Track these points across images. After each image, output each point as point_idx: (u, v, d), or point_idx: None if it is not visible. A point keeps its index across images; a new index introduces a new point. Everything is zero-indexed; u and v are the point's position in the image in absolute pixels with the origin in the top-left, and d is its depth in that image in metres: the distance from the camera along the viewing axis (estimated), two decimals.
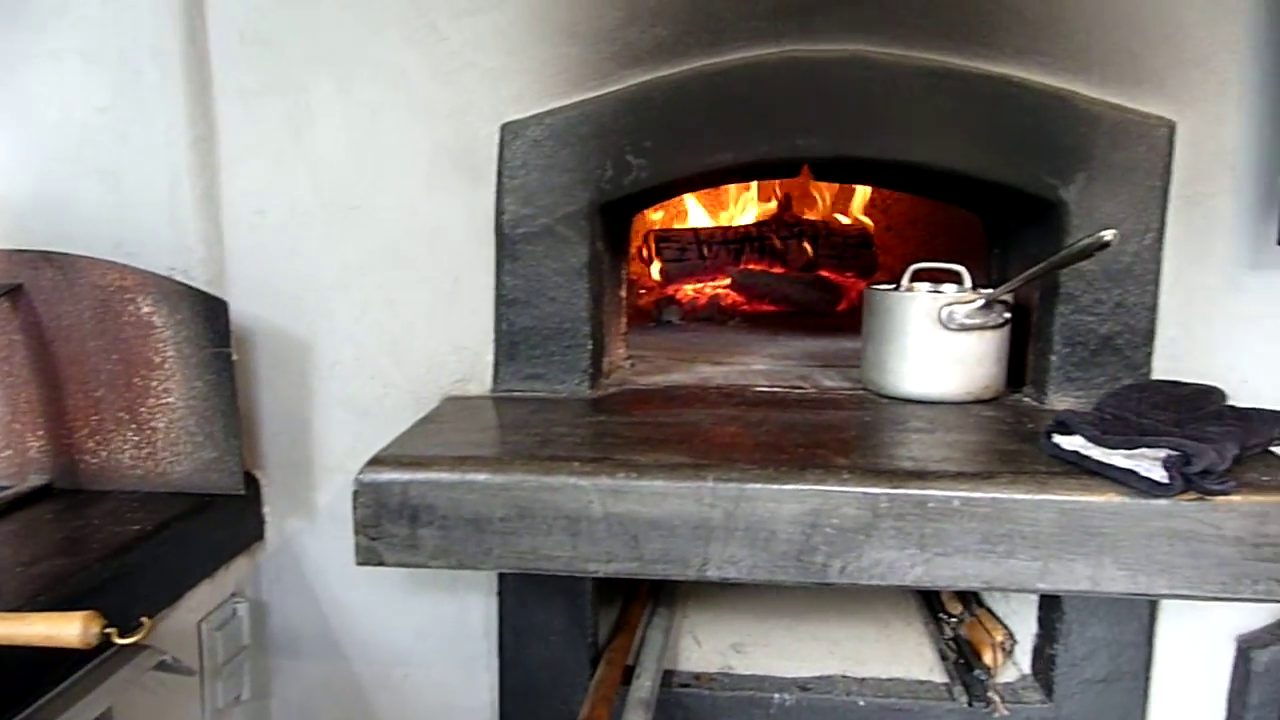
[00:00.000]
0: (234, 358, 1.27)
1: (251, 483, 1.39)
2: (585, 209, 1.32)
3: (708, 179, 1.64)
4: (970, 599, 1.59)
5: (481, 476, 1.05)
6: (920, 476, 1.02)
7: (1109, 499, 1.00)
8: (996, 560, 1.01)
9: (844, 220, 2.47)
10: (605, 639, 1.49)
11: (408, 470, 1.06)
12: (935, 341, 1.31)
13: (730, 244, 2.35)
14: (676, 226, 2.41)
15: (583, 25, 1.30)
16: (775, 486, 1.02)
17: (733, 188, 2.45)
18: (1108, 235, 1.09)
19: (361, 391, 1.42)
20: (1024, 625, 1.48)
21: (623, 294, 1.60)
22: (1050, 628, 1.42)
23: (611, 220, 1.44)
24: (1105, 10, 1.26)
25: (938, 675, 1.46)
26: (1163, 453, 0.99)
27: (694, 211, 2.42)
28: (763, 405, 1.33)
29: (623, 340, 1.62)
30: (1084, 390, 1.31)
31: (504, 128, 1.32)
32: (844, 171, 1.80)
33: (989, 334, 1.31)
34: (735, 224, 2.40)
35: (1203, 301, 1.31)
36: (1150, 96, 1.27)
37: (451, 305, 1.38)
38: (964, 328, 1.30)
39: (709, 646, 1.54)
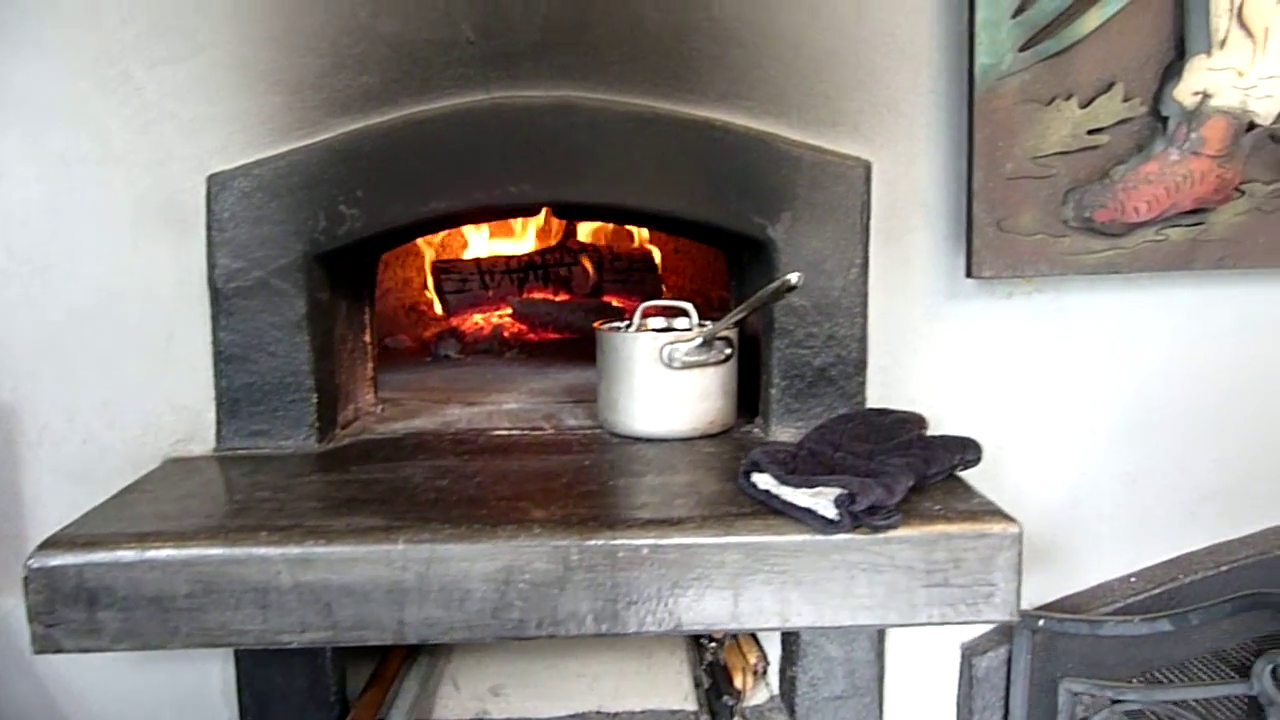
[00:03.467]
0: None
1: None
2: (300, 261, 1.29)
3: (442, 223, 1.62)
4: None
5: (163, 553, 1.01)
6: (610, 526, 1.04)
7: (790, 538, 1.04)
8: (689, 604, 1.04)
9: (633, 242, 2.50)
10: (359, 693, 1.45)
11: (83, 551, 1.01)
12: (660, 380, 1.33)
13: (513, 272, 2.34)
14: (460, 256, 2.38)
15: (286, 73, 1.27)
16: (467, 546, 1.02)
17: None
18: (793, 278, 1.13)
19: (74, 457, 1.34)
20: (776, 648, 1.53)
21: (367, 339, 1.57)
22: (790, 650, 1.46)
23: (342, 267, 1.40)
24: (802, 56, 1.30)
25: (690, 704, 1.49)
26: (836, 491, 1.03)
27: (476, 240, 2.40)
28: (489, 452, 1.32)
29: (371, 385, 1.59)
30: (803, 420, 1.36)
31: (210, 179, 1.28)
32: (580, 211, 1.81)
33: (711, 370, 1.34)
34: (517, 252, 2.39)
35: (907, 331, 1.37)
36: (846, 138, 1.32)
37: (167, 364, 1.33)
38: (686, 365, 1.32)
39: (467, 691, 1.52)
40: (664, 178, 1.30)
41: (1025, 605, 1.46)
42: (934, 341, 1.38)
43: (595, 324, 1.42)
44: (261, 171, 1.27)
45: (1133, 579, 1.48)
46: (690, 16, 1.28)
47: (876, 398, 1.37)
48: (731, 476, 1.18)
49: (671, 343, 1.32)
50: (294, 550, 1.01)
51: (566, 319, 2.26)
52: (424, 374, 1.93)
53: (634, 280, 2.39)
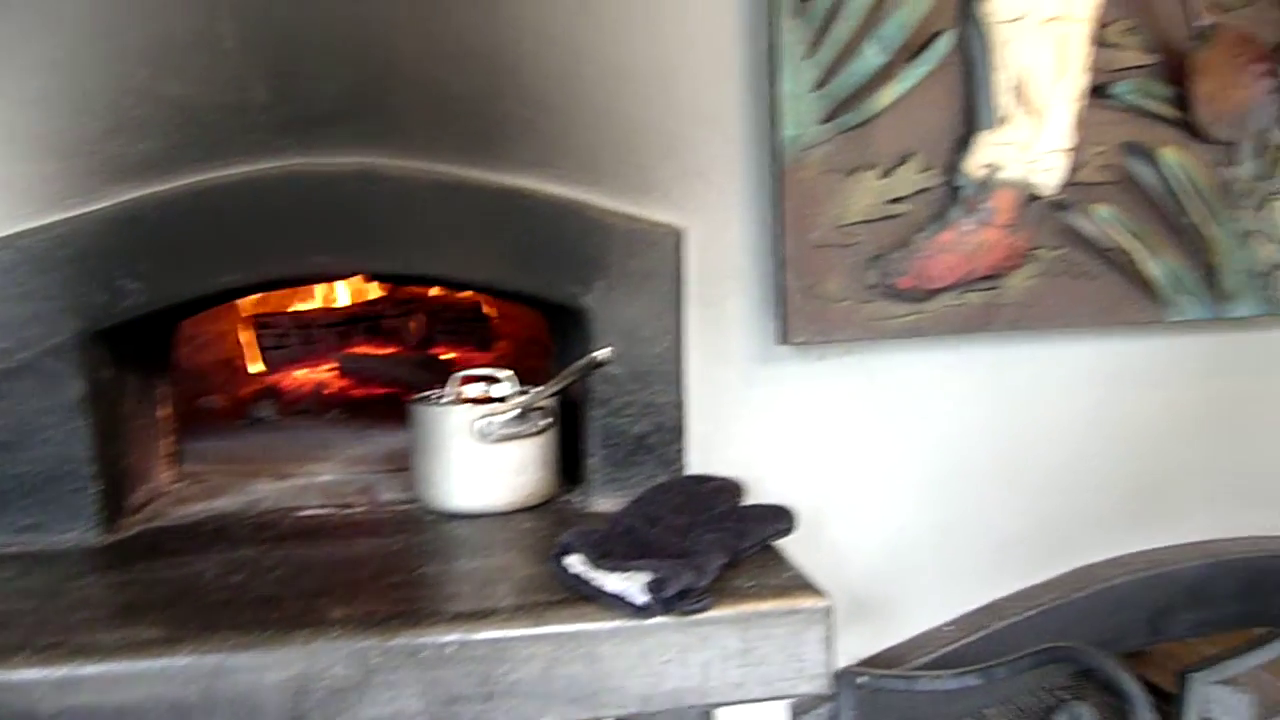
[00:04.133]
0: None
1: None
2: (75, 339, 1.19)
3: (239, 293, 1.54)
4: None
5: None
6: (414, 624, 0.99)
7: (602, 625, 1.01)
8: (498, 700, 1.00)
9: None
10: None
11: None
12: (475, 454, 1.29)
13: (338, 325, 2.25)
14: (281, 308, 2.27)
15: (55, 138, 1.17)
16: (258, 655, 0.95)
17: None
18: (600, 355, 1.12)
19: None
20: None
21: (163, 413, 1.46)
22: None
23: (128, 341, 1.30)
24: (613, 124, 1.30)
25: None
26: (646, 576, 1.02)
27: (300, 292, 2.30)
28: (294, 538, 1.25)
29: (169, 462, 1.48)
30: (624, 489, 1.34)
31: None
32: (394, 276, 1.75)
33: (529, 442, 1.31)
34: (341, 304, 2.31)
35: (724, 396, 1.38)
36: (659, 205, 1.32)
37: None
38: (503, 438, 1.29)
39: None
40: (473, 247, 1.27)
41: (850, 659, 1.48)
42: (751, 405, 1.39)
43: (405, 397, 1.37)
44: (27, 244, 1.17)
45: (949, 627, 1.53)
46: (498, 82, 1.26)
47: (697, 463, 1.37)
48: (548, 556, 1.15)
49: (486, 415, 1.28)
50: (58, 672, 0.92)
51: (394, 374, 2.19)
52: (236, 441, 1.82)
53: (465, 331, 2.34)
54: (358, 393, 2.19)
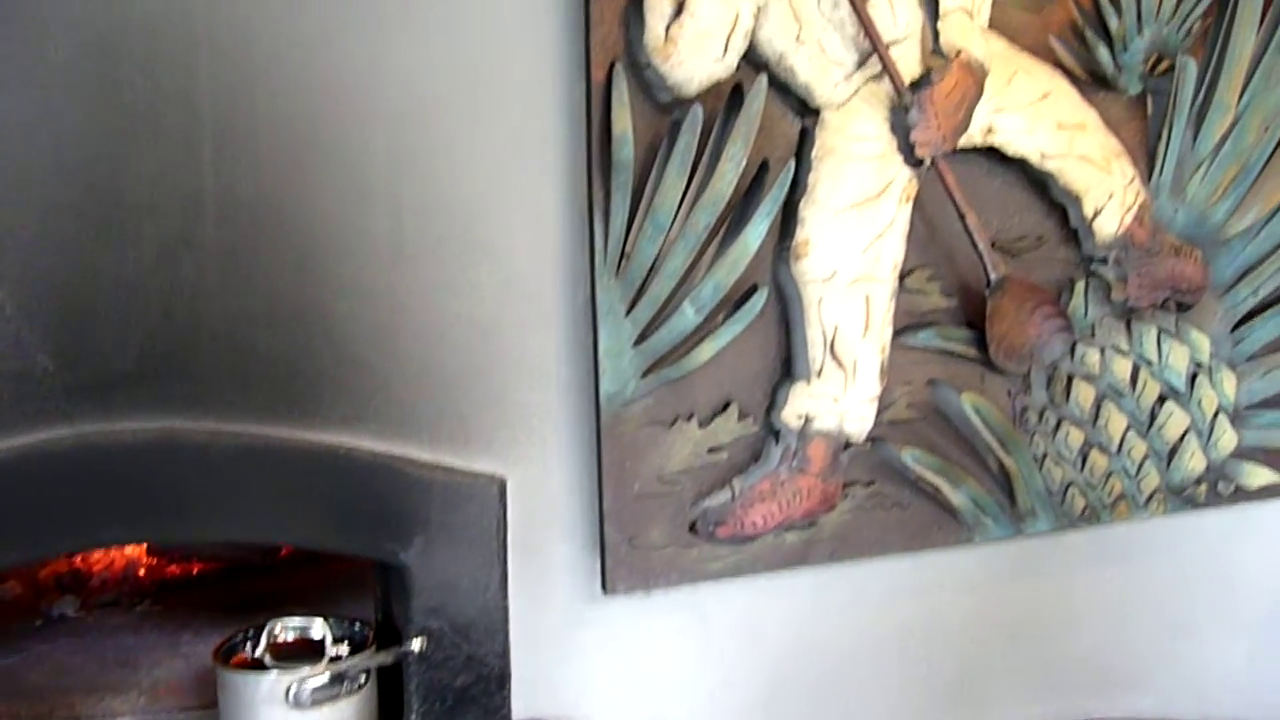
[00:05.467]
0: None
1: None
2: None
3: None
4: None
5: None
6: None
7: None
8: None
9: None
10: None
11: None
12: None
13: None
14: None
15: None
16: None
17: None
18: (414, 647, 1.08)
19: None
20: None
21: None
22: None
23: None
24: (431, 376, 1.27)
25: None
26: None
27: None
28: None
29: None
30: None
31: None
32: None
33: (344, 703, 1.26)
34: None
35: (551, 641, 1.37)
36: (480, 455, 1.30)
37: None
38: (316, 703, 1.23)
39: None
40: (284, 510, 1.22)
41: None
42: (579, 648, 1.38)
43: (213, 653, 1.29)
44: None
45: None
46: (309, 341, 1.22)
47: (524, 709, 1.35)
48: None
49: (299, 680, 1.23)
50: None
51: (213, 549, 2.07)
52: (25, 653, 1.68)
53: None
54: (173, 570, 2.07)
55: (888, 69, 1.29)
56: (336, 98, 1.20)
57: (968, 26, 1.34)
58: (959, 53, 1.32)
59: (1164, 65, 1.54)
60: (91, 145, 1.12)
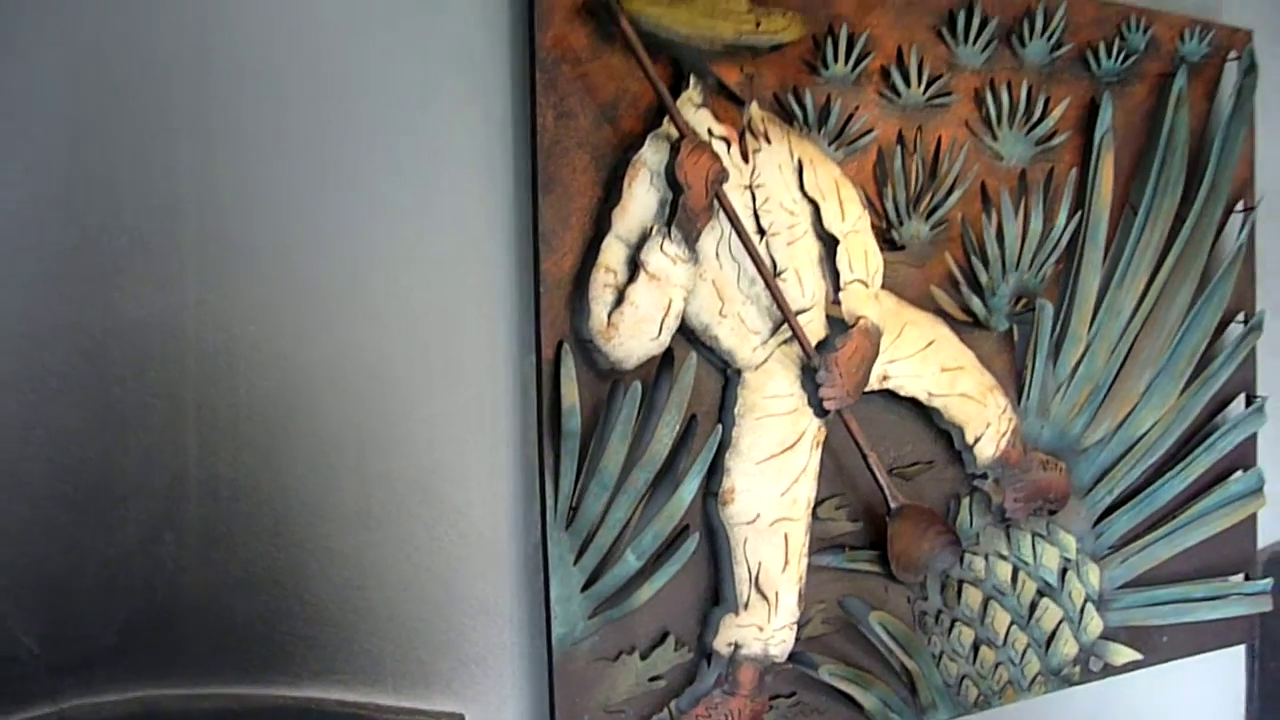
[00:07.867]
0: None
1: None
2: None
3: None
4: None
5: None
6: None
7: None
8: None
9: None
10: None
11: None
12: None
13: None
14: None
15: None
16: None
17: None
18: None
19: None
20: None
21: None
22: None
23: None
24: (396, 627, 1.38)
25: None
26: None
27: None
28: None
29: None
30: None
31: None
32: None
33: None
34: None
35: None
36: (439, 695, 1.40)
37: None
38: None
39: None
40: None
41: None
42: None
43: None
44: None
45: None
46: (282, 604, 1.31)
47: None
48: None
49: None
50: None
51: None
52: None
53: None
54: None
55: (797, 335, 1.48)
56: (308, 383, 1.32)
57: (864, 294, 1.55)
58: (859, 319, 1.52)
59: (1024, 303, 1.79)
60: (83, 441, 1.21)
